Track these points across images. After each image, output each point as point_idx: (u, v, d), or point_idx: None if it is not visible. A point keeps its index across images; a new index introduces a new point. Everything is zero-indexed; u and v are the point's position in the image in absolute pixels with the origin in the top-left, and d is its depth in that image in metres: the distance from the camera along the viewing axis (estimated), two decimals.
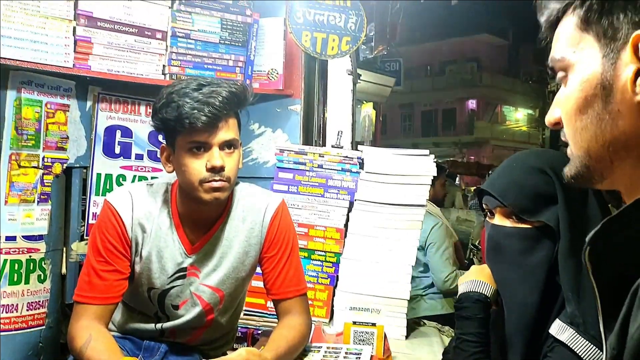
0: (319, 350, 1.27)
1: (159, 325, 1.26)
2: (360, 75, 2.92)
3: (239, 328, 1.58)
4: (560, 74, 0.61)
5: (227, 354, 1.40)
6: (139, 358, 1.04)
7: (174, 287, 1.24)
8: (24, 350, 1.61)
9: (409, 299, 1.70)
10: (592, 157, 0.57)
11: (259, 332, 1.64)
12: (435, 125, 22.90)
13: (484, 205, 1.07)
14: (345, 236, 1.76)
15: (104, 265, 1.16)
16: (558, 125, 0.62)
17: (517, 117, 24.00)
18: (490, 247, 1.06)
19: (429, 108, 23.00)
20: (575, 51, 0.58)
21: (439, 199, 3.21)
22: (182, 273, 1.24)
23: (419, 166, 1.77)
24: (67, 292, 1.73)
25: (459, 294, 1.11)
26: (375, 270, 1.69)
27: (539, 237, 0.98)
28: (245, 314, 1.71)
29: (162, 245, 1.22)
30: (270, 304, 1.76)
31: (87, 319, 1.12)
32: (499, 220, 1.03)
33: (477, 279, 1.08)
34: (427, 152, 1.80)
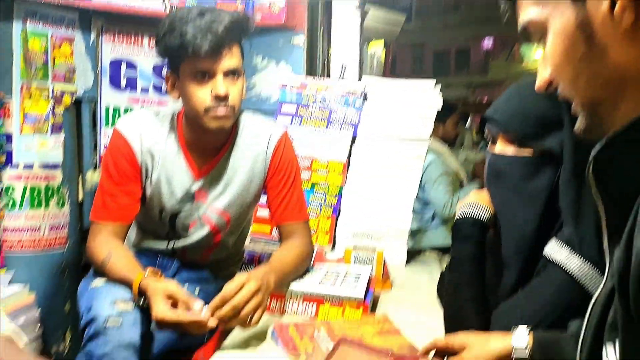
0: (321, 271, 1.35)
1: (170, 244, 1.35)
2: (368, 10, 2.86)
3: (246, 253, 1.68)
4: (536, 36, 0.61)
5: (234, 273, 1.52)
6: (156, 269, 1.13)
7: (183, 210, 1.32)
8: (49, 269, 1.74)
9: (409, 229, 1.77)
10: (597, 103, 0.57)
11: (265, 257, 1.74)
12: (448, 65, 22.36)
13: (486, 132, 1.07)
14: (348, 169, 1.81)
15: (116, 187, 1.24)
16: (551, 86, 0.61)
17: (536, 56, 23.28)
18: (491, 173, 1.06)
19: (442, 47, 22.37)
20: (543, 7, 0.58)
21: (450, 138, 3.16)
22: (190, 197, 1.31)
23: (424, 98, 1.78)
24: (84, 218, 1.84)
25: (456, 217, 1.12)
26: (377, 202, 1.76)
27: (542, 163, 0.98)
28: (251, 241, 1.80)
29: (170, 171, 1.29)
30: (275, 232, 1.86)
31: (104, 236, 1.21)
32: (501, 146, 1.03)
33: (476, 202, 1.10)
34: (433, 82, 1.79)
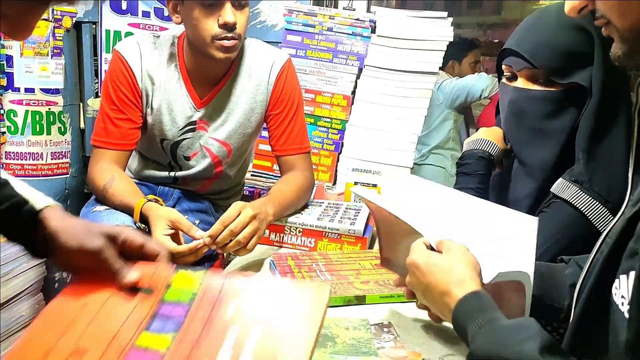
0: (321, 205, 1.36)
1: (172, 174, 1.35)
2: None
3: (247, 187, 1.68)
4: None
5: None
6: (157, 197, 1.13)
7: (184, 139, 1.30)
8: (52, 195, 1.71)
9: (411, 167, 1.76)
10: None
11: (265, 191, 1.74)
12: (460, 4, 21.51)
13: (504, 68, 1.00)
14: (352, 103, 1.77)
15: (117, 113, 1.22)
16: (583, 11, 0.58)
17: None
18: (511, 111, 1.00)
19: None
20: None
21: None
22: (192, 126, 1.30)
23: (434, 31, 1.71)
24: (86, 145, 1.83)
25: (462, 152, 1.10)
26: (381, 138, 1.73)
27: (567, 99, 0.94)
28: (252, 175, 1.80)
29: (171, 99, 1.26)
30: (276, 167, 1.85)
31: (105, 163, 1.20)
32: (522, 83, 0.97)
33: (484, 138, 1.07)
34: (444, 14, 1.72)
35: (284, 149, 1.31)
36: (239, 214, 1.03)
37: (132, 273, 0.63)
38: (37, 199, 0.65)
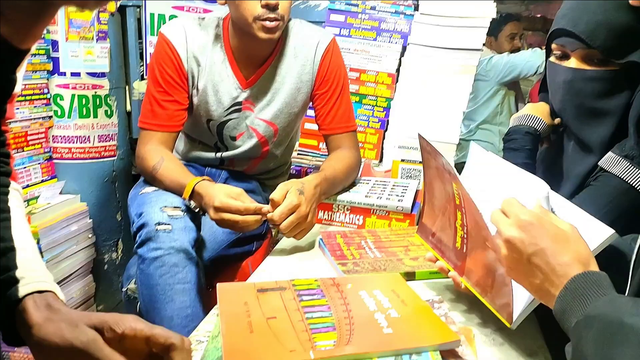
0: (368, 183, 1.33)
1: (218, 154, 1.35)
2: None
3: (293, 166, 1.67)
4: None
5: None
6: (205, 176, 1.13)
7: (230, 119, 1.30)
8: (101, 177, 1.79)
9: (457, 143, 1.71)
10: None
11: (311, 169, 1.73)
12: None
13: (555, 47, 0.98)
14: (397, 81, 1.73)
15: (164, 95, 1.22)
16: None
17: None
18: (567, 92, 0.98)
19: None
20: None
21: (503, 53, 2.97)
22: (237, 107, 1.29)
23: (477, 7, 1.66)
24: (133, 128, 1.86)
25: (509, 127, 1.09)
26: (426, 114, 1.69)
27: (623, 78, 0.92)
28: (299, 154, 1.79)
29: (217, 79, 1.25)
30: (322, 145, 1.83)
31: (154, 144, 1.21)
32: (576, 63, 0.95)
33: (530, 113, 1.06)
34: None
35: (331, 127, 1.29)
36: (296, 204, 1.01)
37: None
38: (31, 280, 0.55)
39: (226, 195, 1.02)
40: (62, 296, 0.56)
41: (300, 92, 1.30)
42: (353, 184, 1.30)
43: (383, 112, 1.76)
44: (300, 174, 1.80)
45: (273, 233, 1.56)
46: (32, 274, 0.55)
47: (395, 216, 1.17)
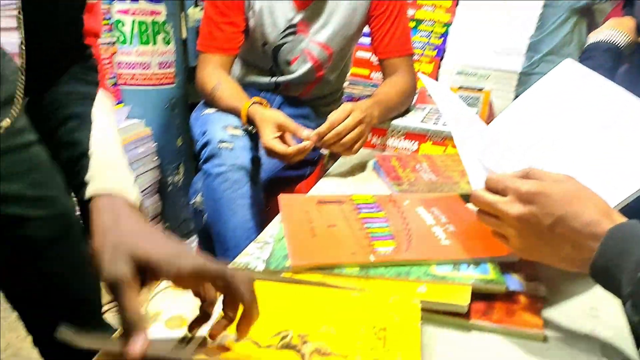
0: (424, 110, 1.32)
1: (273, 79, 1.37)
2: None
3: (345, 96, 1.67)
4: None
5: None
6: (262, 99, 1.15)
7: (285, 42, 1.30)
8: (161, 104, 1.86)
9: (520, 71, 1.65)
10: None
11: (362, 99, 1.73)
12: None
13: None
14: (457, 4, 1.67)
15: (221, 17, 1.23)
16: None
17: None
18: None
19: None
20: None
21: None
22: (292, 29, 1.28)
23: None
24: (189, 56, 1.89)
25: (586, 44, 1.02)
26: (487, 40, 1.63)
27: None
28: (350, 83, 1.78)
29: (272, 1, 1.25)
30: (374, 75, 1.81)
31: (212, 67, 1.23)
32: None
33: (613, 28, 0.97)
34: None
35: (387, 51, 1.27)
36: (347, 116, 1.02)
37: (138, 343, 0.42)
38: (99, 183, 0.53)
39: (271, 134, 1.03)
40: (132, 198, 0.52)
41: (356, 13, 1.27)
42: (407, 111, 1.30)
43: (440, 38, 1.71)
44: (352, 100, 1.80)
45: (325, 161, 1.59)
46: (102, 176, 0.53)
47: (452, 142, 1.17)
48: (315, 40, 1.30)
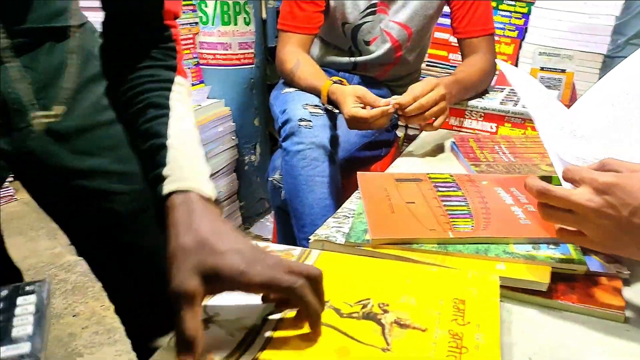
0: (502, 91, 1.29)
1: (352, 59, 1.39)
2: None
3: (422, 76, 1.66)
4: None
5: None
6: (341, 78, 1.18)
7: (365, 22, 1.31)
8: (241, 83, 1.93)
9: (605, 54, 1.57)
10: None
11: None
12: None
13: None
14: None
15: None
16: None
17: None
18: None
19: None
20: None
21: None
22: (372, 9, 1.30)
23: None
24: (268, 36, 1.95)
25: None
26: (572, 21, 1.56)
27: None
28: (427, 65, 1.77)
29: None
30: (452, 56, 1.79)
31: (292, 46, 1.27)
32: None
33: None
34: None
35: (467, 30, 1.25)
36: (430, 90, 1.02)
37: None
38: (176, 178, 0.51)
39: (352, 104, 1.05)
40: (208, 193, 0.51)
41: None
42: (486, 92, 1.28)
43: (522, 18, 1.65)
44: None
45: (399, 142, 1.60)
46: (180, 172, 0.52)
47: (532, 124, 1.14)
48: (395, 20, 1.30)
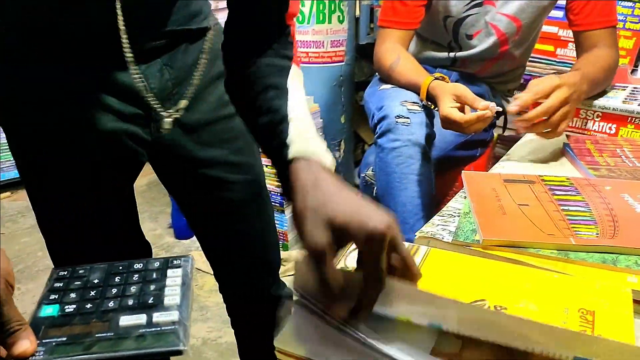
0: (624, 89, 1.17)
1: (451, 54, 1.32)
2: None
3: (525, 75, 1.55)
4: None
5: (513, 91, 1.44)
6: (443, 74, 1.12)
7: (469, 15, 1.24)
8: (330, 80, 1.92)
9: None
10: None
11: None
12: None
13: None
14: None
15: None
16: None
17: None
18: None
19: None
20: None
21: None
22: (478, 1, 1.23)
23: None
24: (360, 34, 1.92)
25: None
26: None
27: None
28: (530, 61, 1.65)
29: None
30: (560, 51, 1.66)
31: (391, 42, 1.23)
32: None
33: None
34: None
35: (588, 22, 1.14)
36: (552, 91, 0.91)
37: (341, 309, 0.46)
38: (300, 146, 0.54)
39: (450, 103, 1.00)
40: (328, 162, 0.54)
41: None
42: (604, 91, 1.16)
43: None
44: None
45: (493, 146, 1.51)
46: (302, 140, 0.55)
47: None
48: (503, 12, 1.22)
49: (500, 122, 1.28)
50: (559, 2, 1.24)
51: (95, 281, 0.48)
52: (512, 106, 0.93)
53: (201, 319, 1.64)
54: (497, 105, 1.10)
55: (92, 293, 0.46)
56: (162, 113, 0.71)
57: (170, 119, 0.72)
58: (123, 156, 0.72)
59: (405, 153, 1.07)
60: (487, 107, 0.97)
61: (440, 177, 1.26)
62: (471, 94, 1.01)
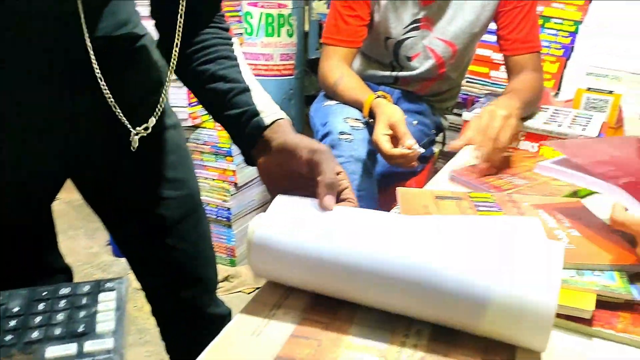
0: (547, 111, 1.27)
1: (393, 73, 1.39)
2: None
3: (461, 95, 1.65)
4: None
5: (451, 109, 1.52)
6: (385, 93, 1.18)
7: (408, 38, 1.31)
8: (280, 94, 1.95)
9: None
10: None
11: (479, 99, 1.69)
12: None
13: None
14: (590, 2, 1.57)
15: (348, 10, 1.27)
16: None
17: None
18: None
19: None
20: None
21: None
22: (416, 25, 1.30)
23: None
24: (309, 48, 1.97)
25: None
26: (622, 41, 1.52)
27: None
28: (467, 81, 1.75)
29: None
30: (493, 73, 1.77)
31: (336, 60, 1.28)
32: None
33: None
34: None
35: (515, 47, 1.24)
36: (492, 119, 0.95)
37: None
38: (271, 112, 0.62)
39: (383, 129, 1.03)
40: (290, 121, 0.64)
41: (485, 9, 1.26)
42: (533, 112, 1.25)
43: (568, 37, 1.62)
44: (466, 103, 1.77)
45: (435, 158, 1.59)
46: (270, 106, 0.63)
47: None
48: (440, 37, 1.30)
49: (440, 138, 1.36)
50: (491, 27, 1.33)
51: (15, 309, 0.43)
52: (458, 142, 0.95)
53: (139, 343, 1.57)
54: (435, 122, 1.17)
55: (13, 323, 0.42)
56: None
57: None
58: (43, 171, 0.68)
59: (348, 169, 1.12)
60: (410, 147, 1.00)
61: (384, 192, 1.31)
62: (404, 128, 1.04)
